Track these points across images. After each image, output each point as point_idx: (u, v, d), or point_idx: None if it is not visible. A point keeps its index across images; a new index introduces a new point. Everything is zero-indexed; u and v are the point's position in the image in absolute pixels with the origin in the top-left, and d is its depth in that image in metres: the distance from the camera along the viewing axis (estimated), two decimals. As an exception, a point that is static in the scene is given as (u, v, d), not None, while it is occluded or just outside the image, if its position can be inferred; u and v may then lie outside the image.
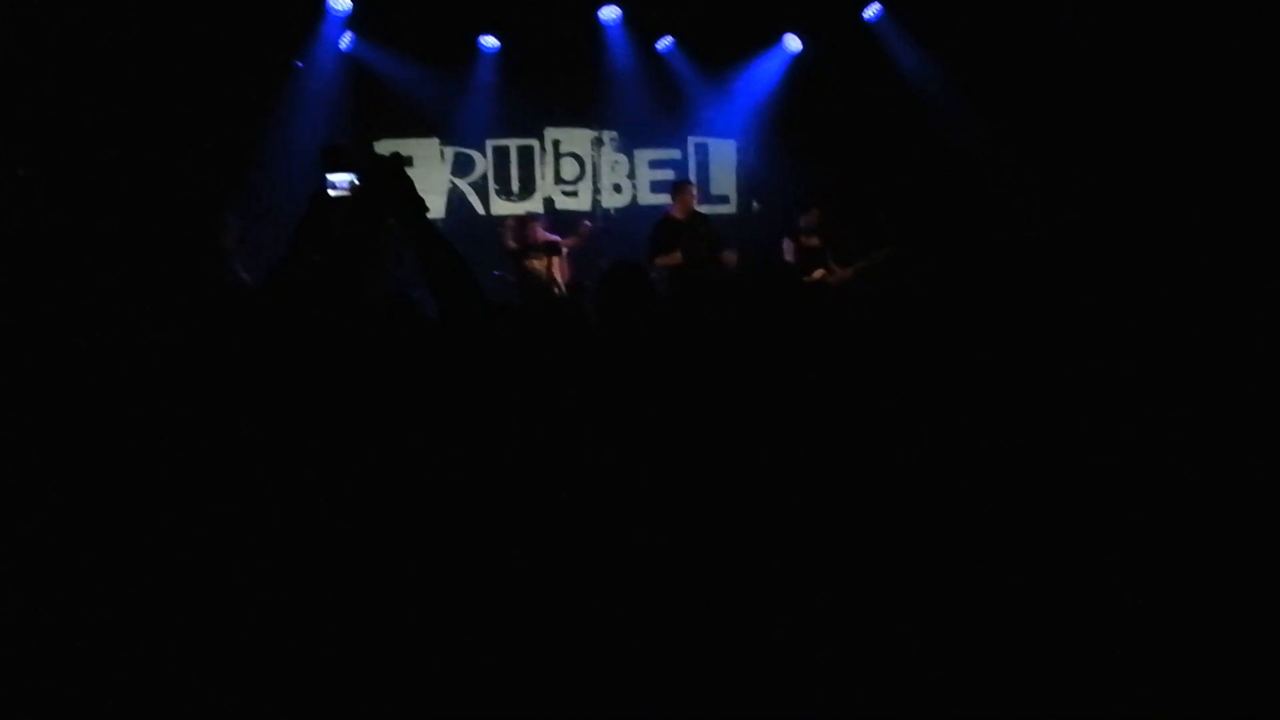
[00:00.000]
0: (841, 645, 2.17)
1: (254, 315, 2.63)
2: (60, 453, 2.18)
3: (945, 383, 2.86)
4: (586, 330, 2.77)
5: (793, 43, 10.35)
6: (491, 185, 10.42)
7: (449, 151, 10.26)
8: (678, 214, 8.43)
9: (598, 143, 10.65)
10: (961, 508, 2.43)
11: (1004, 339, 3.52)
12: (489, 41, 9.82)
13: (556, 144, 10.59)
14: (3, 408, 2.26)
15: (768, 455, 2.40)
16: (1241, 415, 2.85)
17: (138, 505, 2.14)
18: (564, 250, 8.54)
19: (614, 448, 2.32)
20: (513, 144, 10.46)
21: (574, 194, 10.63)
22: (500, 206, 10.39)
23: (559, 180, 10.60)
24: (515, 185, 10.47)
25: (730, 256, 8.29)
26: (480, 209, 10.39)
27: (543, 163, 10.56)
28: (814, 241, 8.64)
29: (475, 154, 10.35)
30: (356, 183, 2.64)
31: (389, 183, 2.59)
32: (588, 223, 8.96)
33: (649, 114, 10.39)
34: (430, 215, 2.66)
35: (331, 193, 2.66)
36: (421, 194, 2.66)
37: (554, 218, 9.78)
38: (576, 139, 10.64)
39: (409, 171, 2.66)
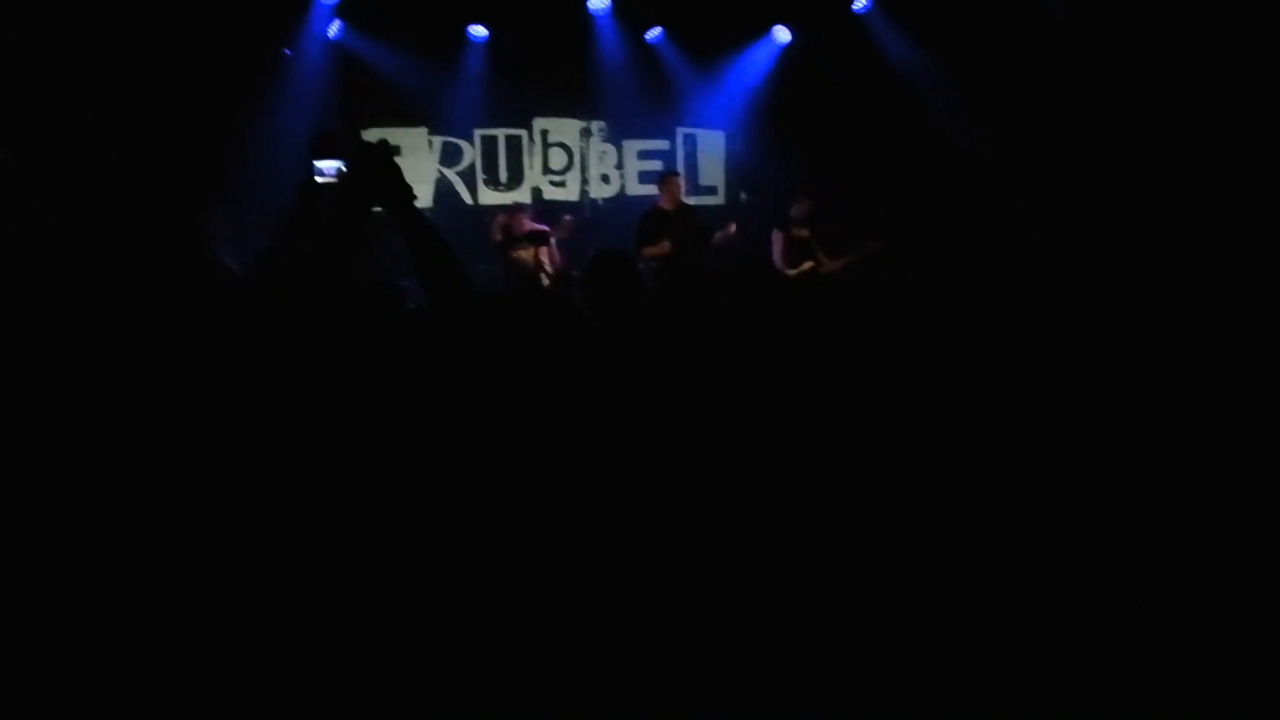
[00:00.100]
0: (836, 642, 2.18)
1: (241, 303, 2.63)
2: (58, 451, 2.18)
3: (942, 380, 2.87)
4: (573, 320, 2.77)
5: (782, 34, 10.35)
6: (479, 175, 10.40)
7: (437, 141, 10.24)
8: (665, 205, 8.48)
9: (586, 133, 10.64)
10: (959, 505, 2.43)
11: (1003, 337, 3.53)
12: (478, 31, 9.80)
13: (545, 134, 10.58)
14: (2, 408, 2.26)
15: (757, 448, 2.40)
16: (1241, 415, 2.86)
17: (133, 502, 2.14)
18: (552, 239, 8.54)
19: (602, 438, 2.33)
20: (501, 134, 10.45)
21: (562, 184, 10.62)
22: (488, 196, 10.37)
23: (547, 170, 10.59)
24: (503, 175, 10.46)
25: (729, 229, 8.38)
26: (468, 199, 10.37)
27: (531, 153, 10.55)
28: (804, 233, 8.65)
29: (463, 143, 10.33)
30: (344, 170, 2.64)
31: (377, 170, 2.58)
32: (568, 217, 8.94)
33: (638, 104, 10.39)
34: (418, 204, 2.66)
35: (319, 180, 2.66)
36: (409, 183, 2.66)
37: (542, 208, 9.78)
38: (565, 129, 10.63)
39: (397, 160, 2.66)
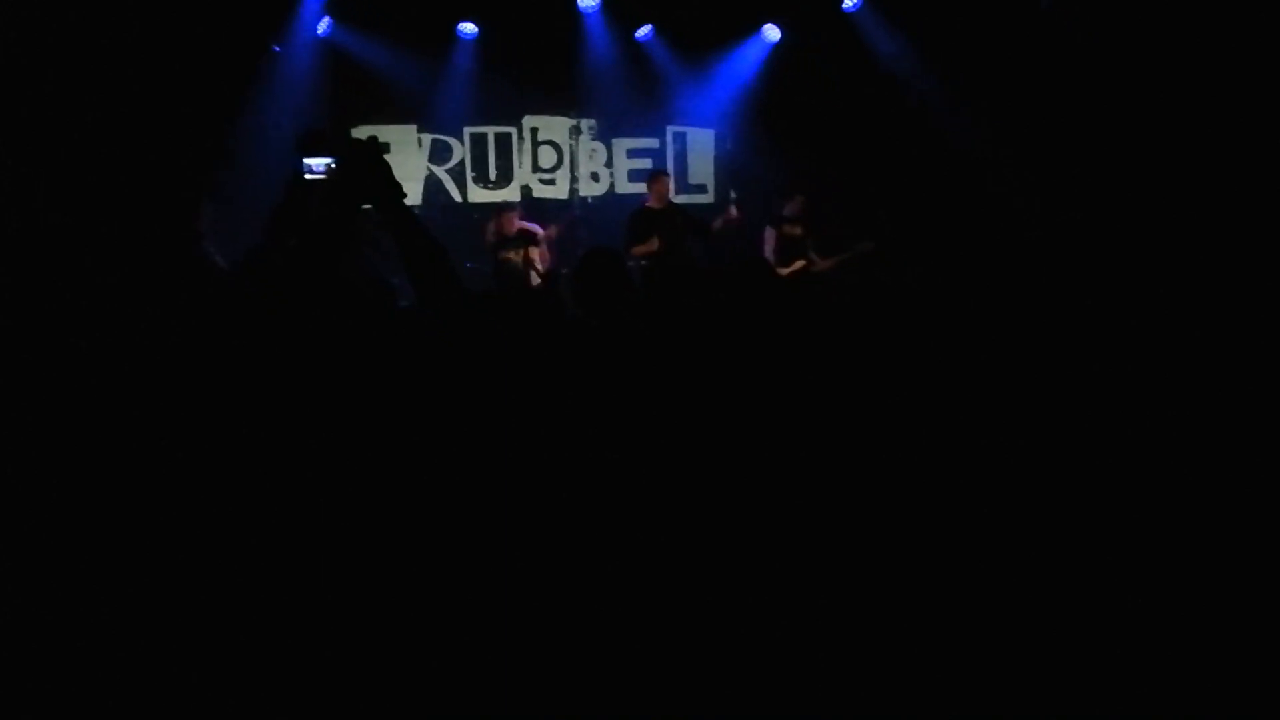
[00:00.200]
0: (835, 642, 2.18)
1: (228, 299, 2.62)
2: (57, 450, 2.17)
3: (941, 379, 2.87)
4: (560, 318, 2.77)
5: (772, 32, 10.35)
6: (469, 173, 10.38)
7: (426, 138, 10.22)
8: (653, 204, 8.50)
9: (576, 131, 10.63)
10: (958, 504, 2.43)
11: (1002, 337, 3.54)
12: (467, 28, 9.78)
13: (534, 132, 10.56)
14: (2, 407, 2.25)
15: (753, 447, 2.40)
16: (1241, 415, 2.86)
17: (130, 501, 2.13)
18: (541, 240, 8.53)
19: (593, 435, 2.32)
20: (490, 131, 10.43)
21: (551, 182, 10.61)
22: (477, 194, 10.36)
23: (536, 168, 10.58)
24: (493, 173, 10.44)
25: (730, 212, 8.42)
26: (457, 196, 10.35)
27: (520, 151, 10.53)
28: (796, 230, 8.66)
29: (453, 141, 10.31)
30: (333, 167, 2.63)
31: (366, 168, 2.58)
32: (551, 229, 8.87)
33: (627, 103, 10.38)
34: (407, 202, 2.65)
35: (308, 176, 2.65)
36: (399, 181, 2.65)
37: (531, 206, 9.77)
38: (554, 127, 10.62)
39: (386, 158, 2.65)
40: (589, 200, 10.62)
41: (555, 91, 10.33)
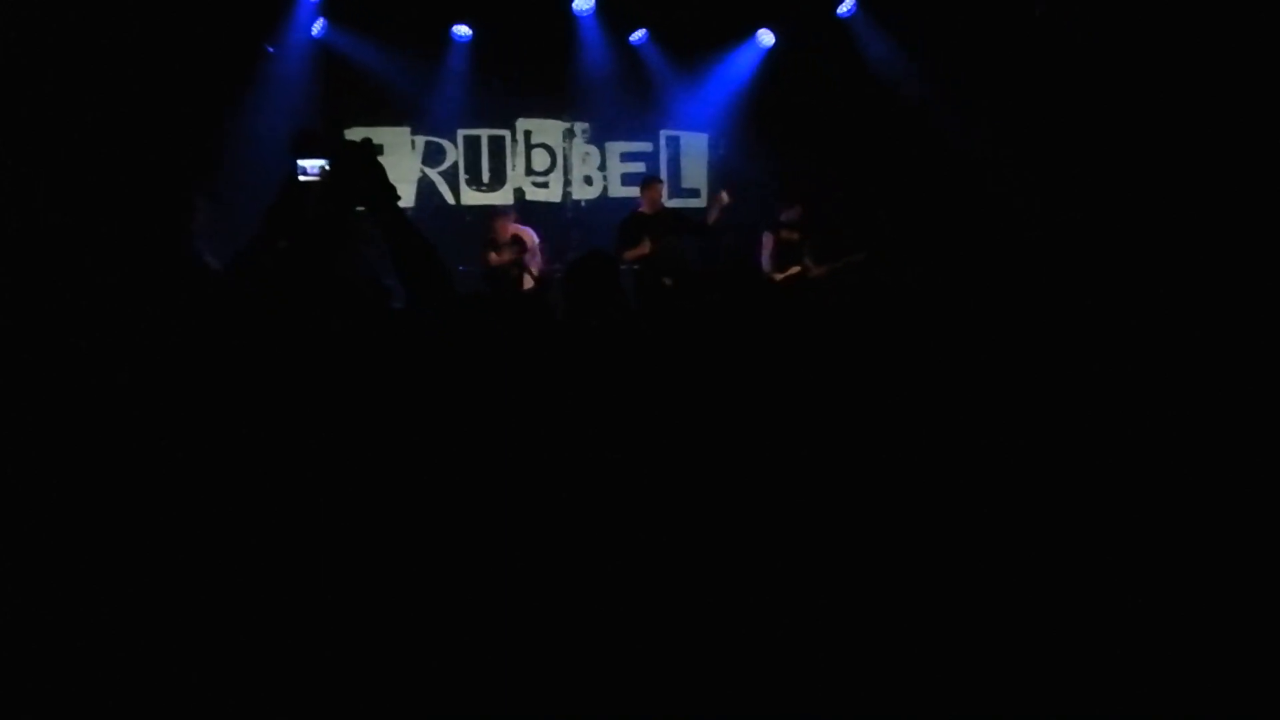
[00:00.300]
0: (831, 641, 2.18)
1: (218, 299, 2.62)
2: (56, 450, 2.17)
3: (941, 379, 2.87)
4: (550, 321, 2.77)
5: (766, 37, 10.37)
6: (462, 175, 10.38)
7: (420, 140, 10.22)
8: (645, 209, 8.53)
9: (569, 134, 10.64)
10: (957, 505, 2.44)
11: (1002, 337, 3.54)
12: (461, 30, 9.78)
13: (528, 135, 10.57)
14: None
15: (749, 449, 2.40)
16: (1241, 415, 2.87)
17: (129, 500, 2.13)
18: (529, 246, 8.53)
19: (587, 438, 2.33)
20: (484, 134, 10.43)
21: (545, 185, 10.61)
22: (470, 196, 10.36)
23: (530, 171, 10.58)
24: (486, 175, 10.44)
25: (721, 197, 8.45)
26: (450, 199, 10.35)
27: (514, 153, 10.53)
28: (794, 236, 8.67)
29: (446, 143, 10.31)
30: (327, 168, 2.64)
31: (360, 169, 2.58)
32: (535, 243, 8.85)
33: (621, 106, 10.39)
34: (400, 204, 2.66)
35: (302, 178, 2.65)
36: (392, 182, 2.66)
37: (524, 209, 9.78)
38: (548, 130, 10.62)
39: (380, 159, 2.66)
40: (582, 203, 10.63)
41: (549, 94, 10.33)
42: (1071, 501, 2.52)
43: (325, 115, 9.15)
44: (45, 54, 7.13)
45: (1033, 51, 8.48)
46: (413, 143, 10.18)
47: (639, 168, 10.45)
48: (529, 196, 10.46)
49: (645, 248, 8.23)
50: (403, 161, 9.99)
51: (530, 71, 9.98)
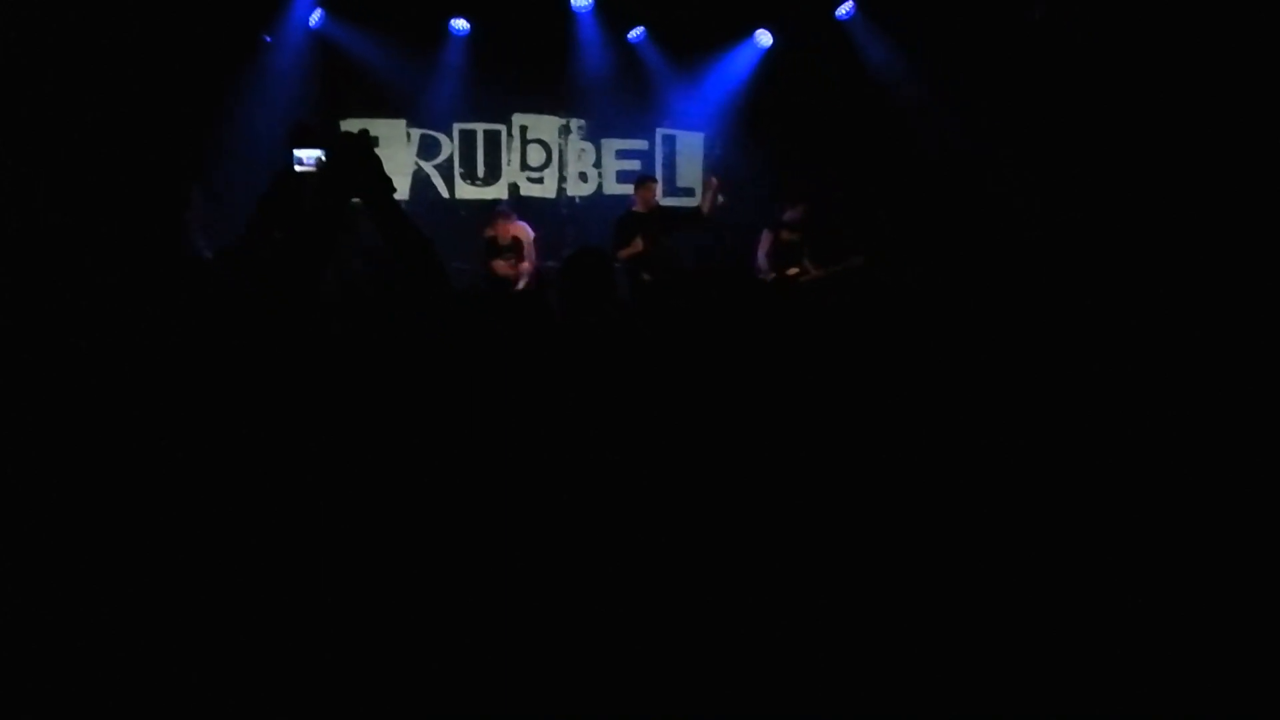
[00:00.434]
0: (830, 641, 2.18)
1: (210, 288, 2.61)
2: (56, 449, 2.16)
3: (941, 379, 2.87)
4: (547, 319, 2.77)
5: (764, 38, 10.37)
6: (457, 169, 10.36)
7: (415, 133, 10.19)
8: (639, 208, 8.53)
9: (565, 130, 10.63)
10: (957, 505, 2.44)
11: (1002, 337, 3.54)
12: (459, 24, 9.77)
13: (524, 130, 10.55)
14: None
15: (747, 448, 2.40)
16: (1241, 415, 2.87)
17: (125, 499, 2.12)
18: (526, 246, 8.54)
19: (582, 434, 2.33)
20: (480, 128, 10.41)
21: (539, 181, 10.60)
22: (465, 191, 10.34)
23: (525, 166, 10.57)
24: (481, 170, 10.42)
25: (711, 182, 8.56)
26: (445, 192, 10.33)
27: (509, 148, 10.51)
28: (793, 237, 8.67)
29: (441, 137, 10.29)
30: (324, 160, 2.63)
31: (357, 161, 2.58)
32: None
33: (618, 104, 10.39)
34: (395, 197, 2.65)
35: (298, 168, 2.65)
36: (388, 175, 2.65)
37: (518, 204, 9.76)
38: (544, 126, 10.61)
39: (376, 151, 2.65)
40: (576, 200, 10.62)
41: (546, 90, 10.32)
42: (1071, 500, 2.53)
43: (321, 106, 9.14)
44: (42, 40, 7.10)
45: (1031, 53, 8.49)
46: (408, 135, 10.16)
47: (634, 166, 10.45)
48: (524, 192, 10.44)
49: (638, 246, 8.24)
50: (398, 154, 9.97)
51: (527, 67, 9.97)
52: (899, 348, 3.19)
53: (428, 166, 10.27)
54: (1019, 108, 8.70)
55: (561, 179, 10.62)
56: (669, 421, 2.38)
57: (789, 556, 2.25)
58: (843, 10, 9.96)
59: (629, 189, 9.11)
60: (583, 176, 10.69)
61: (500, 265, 8.39)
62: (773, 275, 8.45)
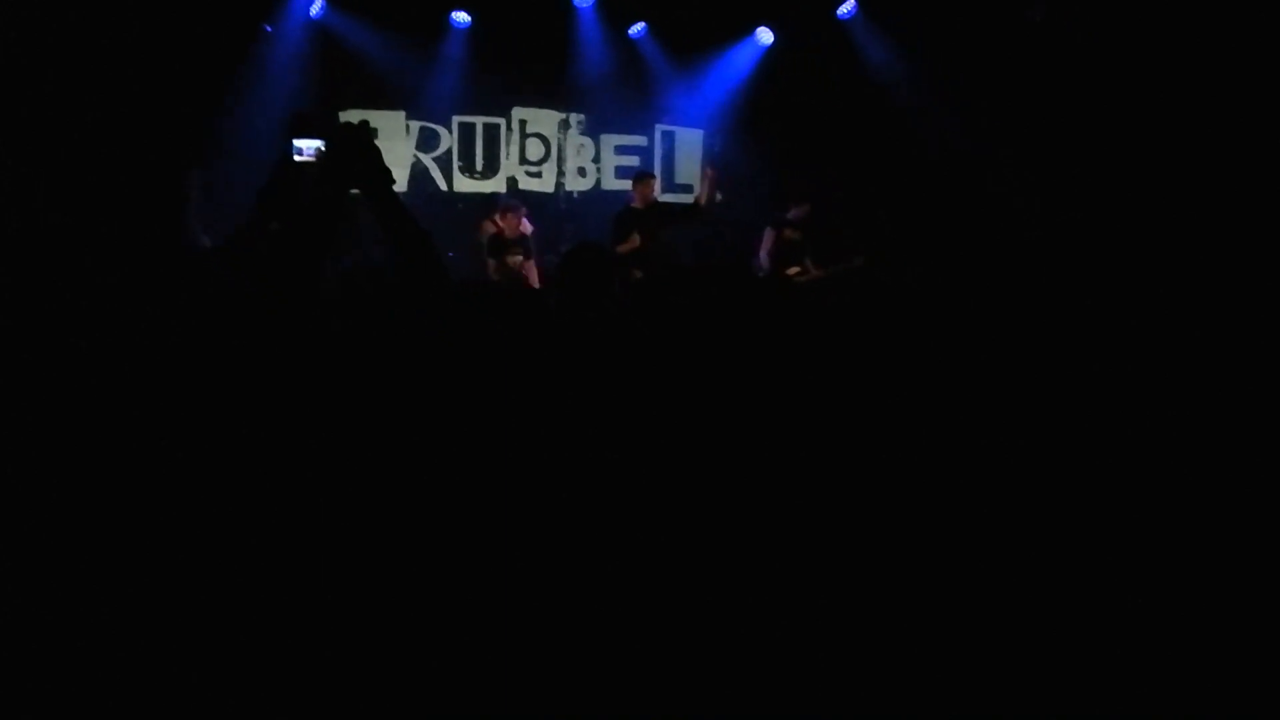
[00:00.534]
0: (830, 641, 2.18)
1: (210, 278, 2.60)
2: (57, 449, 2.15)
3: (941, 379, 2.87)
4: (545, 314, 2.77)
5: (765, 35, 10.36)
6: (456, 162, 10.34)
7: (414, 125, 10.17)
8: (637, 204, 8.53)
9: (564, 125, 10.62)
10: (957, 505, 2.44)
11: (1002, 337, 3.54)
12: (460, 17, 9.75)
13: (523, 124, 10.54)
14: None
15: (747, 447, 2.40)
16: (1241, 415, 2.87)
17: (123, 500, 2.12)
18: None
19: (583, 432, 2.32)
20: (479, 121, 10.39)
21: (538, 175, 10.59)
22: (463, 184, 10.33)
23: (524, 160, 10.55)
24: (479, 163, 10.41)
25: (707, 172, 8.61)
26: (443, 185, 10.31)
27: (508, 142, 10.50)
28: (796, 235, 8.65)
29: (441, 129, 10.27)
30: (323, 150, 2.62)
31: (357, 151, 2.57)
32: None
33: (617, 99, 10.38)
34: (395, 188, 2.64)
35: (297, 158, 2.64)
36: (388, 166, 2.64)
37: (516, 198, 9.74)
38: (543, 120, 10.59)
39: (376, 142, 2.64)
40: (574, 195, 10.61)
41: (546, 84, 10.31)
42: (1071, 501, 2.53)
43: (320, 97, 9.12)
44: (42, 30, 7.08)
45: (1031, 53, 8.50)
46: (407, 127, 10.13)
47: (633, 161, 10.45)
48: (522, 186, 10.42)
49: (636, 242, 8.24)
50: (397, 146, 9.94)
51: (528, 61, 9.96)
52: (898, 347, 3.18)
53: (426, 159, 10.25)
54: (1019, 108, 8.70)
55: (560, 174, 10.61)
56: (667, 419, 2.38)
57: (788, 556, 2.25)
58: (844, 9, 9.96)
59: (628, 185, 9.10)
60: (581, 171, 10.68)
61: (515, 261, 8.31)
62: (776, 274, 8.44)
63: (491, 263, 8.36)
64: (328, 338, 2.48)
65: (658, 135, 10.82)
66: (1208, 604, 2.30)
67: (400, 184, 9.80)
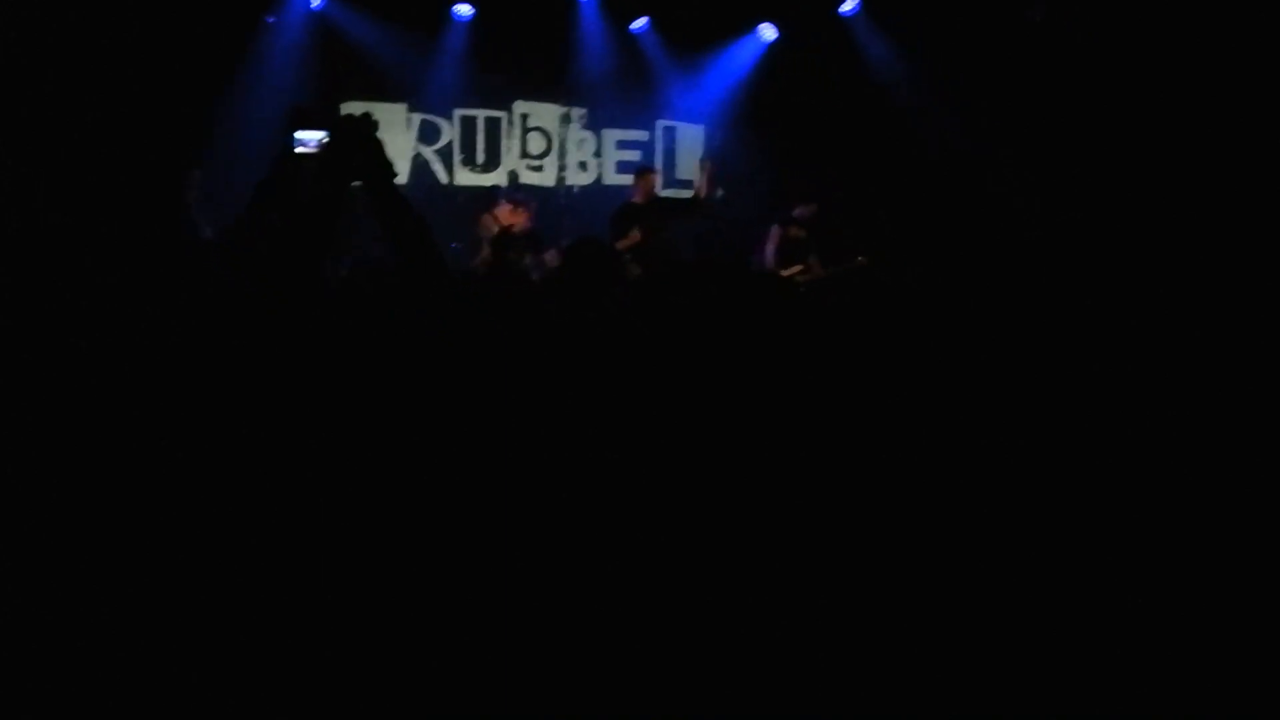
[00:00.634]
0: (831, 641, 2.17)
1: (210, 270, 2.59)
2: (56, 448, 2.14)
3: (941, 379, 2.86)
4: (546, 309, 2.76)
5: (768, 32, 10.34)
6: (457, 155, 10.32)
7: (415, 118, 10.14)
8: (638, 199, 8.49)
9: (566, 119, 10.60)
10: (958, 505, 2.43)
11: (1002, 337, 3.53)
12: (462, 9, 9.73)
13: (524, 117, 10.52)
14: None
15: (748, 446, 2.39)
16: (1241, 415, 2.87)
17: (123, 500, 2.11)
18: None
19: (585, 430, 2.31)
20: (480, 114, 10.36)
21: (539, 169, 10.57)
22: (464, 177, 10.31)
23: (525, 154, 10.53)
24: (481, 156, 10.38)
25: (708, 164, 8.54)
26: (444, 178, 10.29)
27: (509, 135, 10.48)
28: (801, 234, 8.61)
29: (442, 122, 10.24)
30: (325, 142, 2.61)
31: (359, 144, 2.56)
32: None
33: (619, 94, 10.36)
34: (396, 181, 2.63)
35: (300, 150, 2.63)
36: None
37: (517, 192, 9.72)
38: (545, 114, 10.58)
39: (379, 135, 2.63)
40: (575, 189, 10.59)
41: (548, 78, 10.29)
42: (1071, 501, 2.52)
43: (321, 88, 9.09)
44: (45, 21, 7.06)
45: (1031, 53, 8.49)
46: (408, 120, 10.11)
47: (634, 156, 10.43)
48: (523, 179, 10.40)
49: (636, 237, 8.20)
50: (398, 138, 9.91)
51: (530, 54, 9.94)
52: (897, 345, 3.17)
53: (427, 151, 10.22)
54: (1019, 107, 8.69)
55: (561, 168, 10.60)
56: (667, 418, 2.37)
57: (789, 555, 2.24)
58: (846, 6, 9.94)
59: (629, 180, 9.08)
60: (583, 166, 10.67)
61: (520, 254, 8.24)
62: (781, 273, 8.39)
63: (490, 255, 8.29)
64: (327, 335, 2.47)
65: (659, 130, 10.79)
66: (1208, 604, 2.29)
67: (401, 177, 9.81)
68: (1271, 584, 2.32)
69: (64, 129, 6.91)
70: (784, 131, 10.02)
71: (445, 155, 10.29)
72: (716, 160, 9.21)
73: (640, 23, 10.18)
